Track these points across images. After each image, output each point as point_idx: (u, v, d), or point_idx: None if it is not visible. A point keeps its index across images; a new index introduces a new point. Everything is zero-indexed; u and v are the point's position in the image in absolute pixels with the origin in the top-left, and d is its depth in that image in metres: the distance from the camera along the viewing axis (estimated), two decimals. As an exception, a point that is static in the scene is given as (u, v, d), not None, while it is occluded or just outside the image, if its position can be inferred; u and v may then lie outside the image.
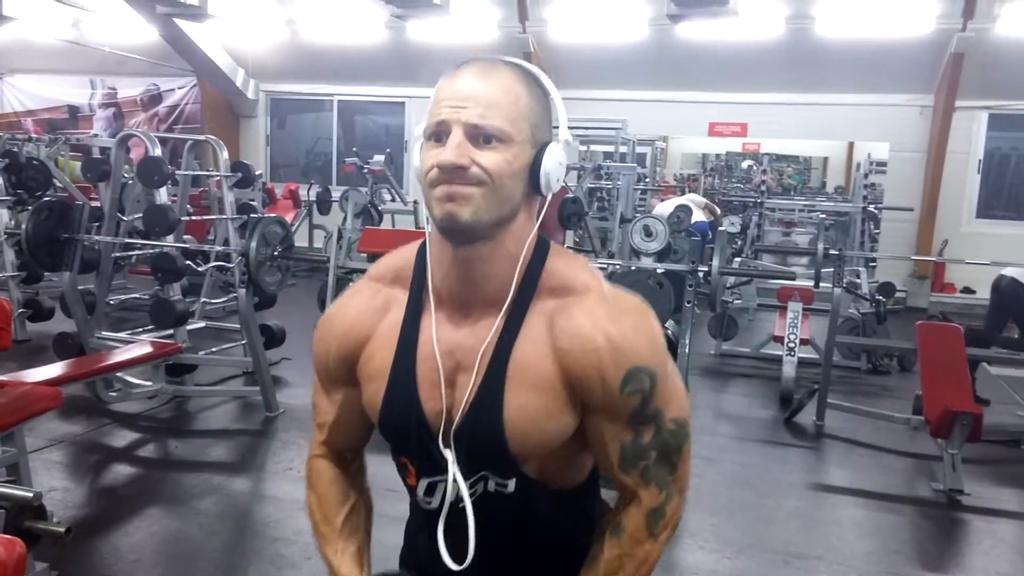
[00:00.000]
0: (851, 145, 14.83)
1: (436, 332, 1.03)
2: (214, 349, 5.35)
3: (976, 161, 9.08)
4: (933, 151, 8.87)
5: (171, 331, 4.87)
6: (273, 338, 5.34)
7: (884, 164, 9.75)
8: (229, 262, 4.97)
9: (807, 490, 3.94)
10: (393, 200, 8.93)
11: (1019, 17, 7.92)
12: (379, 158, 8.68)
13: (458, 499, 1.04)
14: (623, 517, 1.07)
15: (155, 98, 11.88)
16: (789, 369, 5.25)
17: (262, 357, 4.53)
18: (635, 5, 8.92)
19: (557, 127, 1.03)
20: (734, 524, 3.49)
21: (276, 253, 4.38)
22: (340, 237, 5.46)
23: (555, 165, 0.99)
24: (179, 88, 11.68)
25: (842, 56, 8.58)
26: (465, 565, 1.04)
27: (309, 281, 8.26)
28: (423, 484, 1.08)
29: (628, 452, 1.04)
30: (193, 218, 6.12)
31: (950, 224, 9.05)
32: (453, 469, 1.03)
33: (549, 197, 1.02)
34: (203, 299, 5.91)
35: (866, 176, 8.70)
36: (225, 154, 5.39)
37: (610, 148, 9.33)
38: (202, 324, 5.73)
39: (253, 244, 4.23)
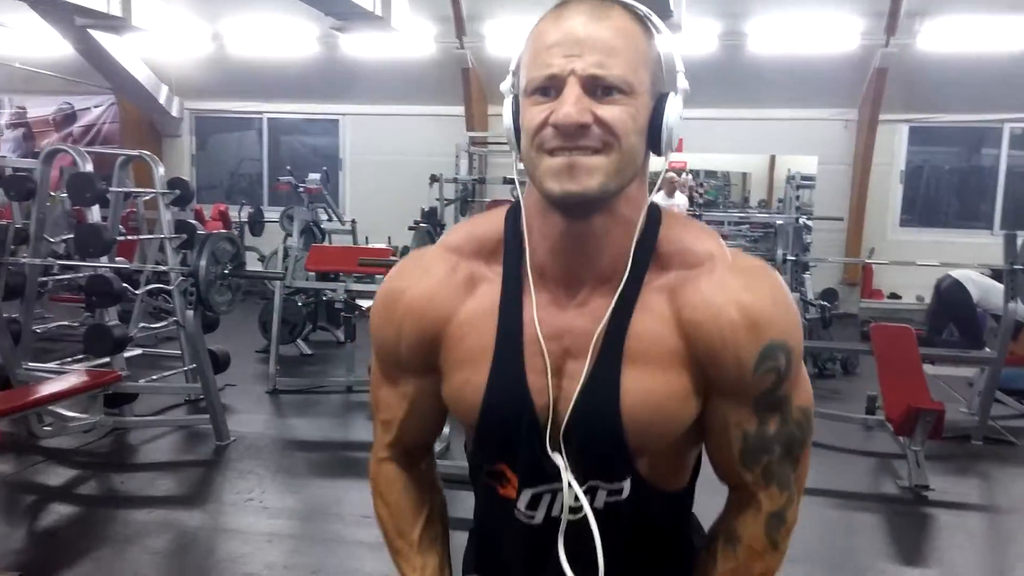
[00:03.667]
0: (772, 159, 15.31)
1: (540, 313, 0.90)
2: (154, 376, 5.02)
3: (899, 172, 9.48)
4: (859, 163, 9.22)
5: (107, 359, 4.55)
6: (217, 363, 5.04)
7: (811, 178, 10.07)
8: (167, 284, 4.69)
9: (780, 495, 3.93)
10: (330, 220, 8.67)
11: (938, 33, 8.31)
12: (315, 176, 8.43)
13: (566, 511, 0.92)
14: (738, 524, 0.96)
15: (69, 117, 11.26)
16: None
17: (212, 383, 4.27)
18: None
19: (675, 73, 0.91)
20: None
21: (227, 272, 4.15)
22: (287, 255, 5.24)
23: (677, 119, 0.87)
24: (95, 107, 11.09)
25: (772, 72, 8.83)
26: None
27: (243, 304, 7.89)
28: (526, 496, 0.93)
29: (752, 444, 0.92)
30: (128, 238, 5.74)
31: (876, 232, 9.42)
32: (567, 476, 0.89)
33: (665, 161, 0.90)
34: (140, 324, 5.56)
35: (797, 188, 8.97)
36: (161, 170, 5.10)
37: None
38: (139, 351, 5.38)
39: (203, 263, 3.99)
